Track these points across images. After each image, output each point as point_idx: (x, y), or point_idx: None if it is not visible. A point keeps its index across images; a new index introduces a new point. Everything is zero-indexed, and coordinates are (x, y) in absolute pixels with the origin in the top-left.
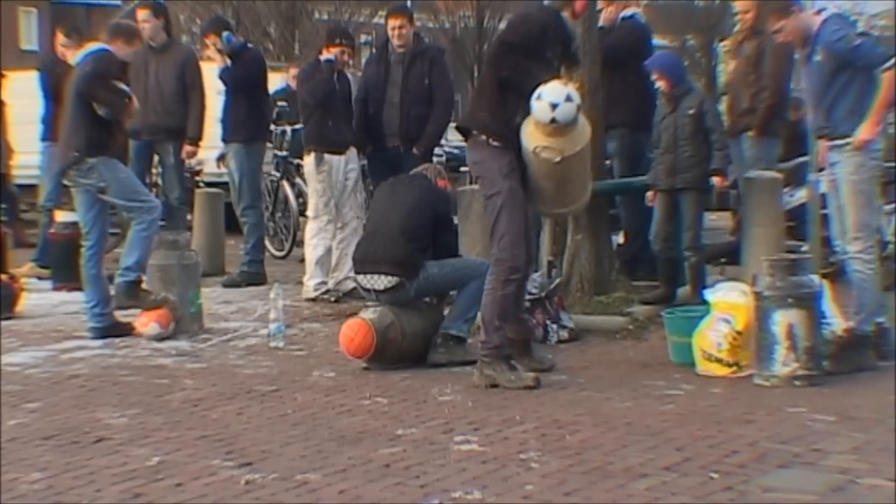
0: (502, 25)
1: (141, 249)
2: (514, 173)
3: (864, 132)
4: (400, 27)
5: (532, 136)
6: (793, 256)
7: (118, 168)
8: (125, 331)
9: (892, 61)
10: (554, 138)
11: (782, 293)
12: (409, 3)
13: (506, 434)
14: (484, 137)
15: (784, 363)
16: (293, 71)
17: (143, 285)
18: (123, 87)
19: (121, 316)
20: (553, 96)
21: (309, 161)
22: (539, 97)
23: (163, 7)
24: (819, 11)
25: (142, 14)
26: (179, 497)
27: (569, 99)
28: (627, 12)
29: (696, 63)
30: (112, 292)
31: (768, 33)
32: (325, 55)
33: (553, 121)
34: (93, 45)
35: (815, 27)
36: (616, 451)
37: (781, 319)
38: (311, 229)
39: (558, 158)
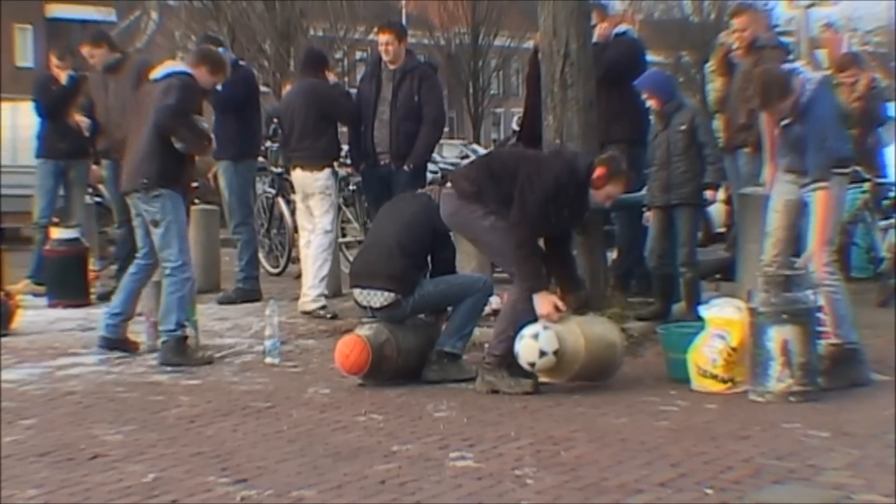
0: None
1: (177, 311)
2: (491, 215)
3: (814, 252)
4: (387, 43)
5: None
6: (787, 272)
7: (180, 208)
8: (130, 349)
9: (825, 183)
10: (550, 374)
11: (777, 309)
12: (403, 20)
13: (501, 450)
14: (455, 191)
15: (779, 379)
16: (288, 87)
17: (152, 303)
18: (204, 124)
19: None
20: (528, 356)
21: (325, 176)
22: (517, 356)
23: (101, 33)
24: (795, 72)
25: (85, 50)
26: None
27: (542, 354)
28: (620, 28)
29: (692, 79)
30: (159, 351)
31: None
32: (333, 79)
33: (539, 371)
34: (174, 65)
35: (802, 94)
36: (611, 466)
37: (776, 335)
38: (322, 244)
39: (564, 379)
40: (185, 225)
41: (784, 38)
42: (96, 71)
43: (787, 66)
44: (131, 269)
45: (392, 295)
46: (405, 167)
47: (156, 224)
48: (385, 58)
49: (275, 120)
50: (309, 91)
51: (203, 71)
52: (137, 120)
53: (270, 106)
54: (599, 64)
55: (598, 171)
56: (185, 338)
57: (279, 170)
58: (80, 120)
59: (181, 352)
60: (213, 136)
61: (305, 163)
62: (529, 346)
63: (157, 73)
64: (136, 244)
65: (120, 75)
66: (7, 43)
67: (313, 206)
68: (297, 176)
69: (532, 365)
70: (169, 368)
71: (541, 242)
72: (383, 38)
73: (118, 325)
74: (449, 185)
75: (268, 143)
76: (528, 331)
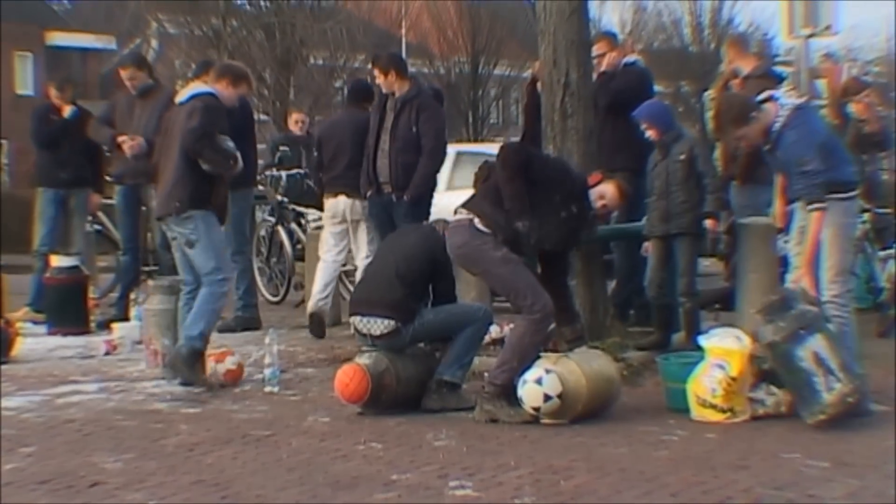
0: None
1: (207, 320)
2: (501, 247)
3: (803, 274)
4: (375, 76)
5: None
6: (777, 295)
7: (213, 225)
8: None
9: (818, 205)
10: (554, 416)
11: (790, 330)
12: (403, 49)
13: (500, 479)
14: (468, 218)
15: (828, 388)
16: (296, 116)
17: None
18: (229, 143)
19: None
20: (533, 402)
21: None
22: (521, 402)
23: (143, 57)
24: (772, 99)
25: (126, 73)
26: None
27: (547, 398)
28: (630, 59)
29: (691, 109)
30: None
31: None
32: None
33: (544, 415)
34: (198, 86)
35: (774, 120)
36: (610, 496)
37: (804, 353)
38: None
39: (567, 420)
40: (222, 242)
41: (780, 69)
42: (126, 94)
43: (764, 94)
44: (181, 303)
45: (392, 323)
46: (404, 198)
47: (191, 245)
48: (382, 90)
49: (281, 148)
50: (362, 123)
51: (225, 84)
52: (166, 145)
53: (272, 134)
54: (607, 93)
55: (594, 175)
56: (202, 353)
57: (279, 198)
58: (137, 140)
59: (192, 364)
60: (238, 154)
61: (352, 190)
62: (533, 391)
63: (181, 96)
64: (178, 270)
65: (149, 101)
66: (7, 70)
67: (361, 231)
68: (341, 202)
69: (537, 410)
70: (169, 396)
71: (538, 267)
72: (374, 71)
73: None
74: (458, 214)
75: (273, 171)
76: (531, 375)
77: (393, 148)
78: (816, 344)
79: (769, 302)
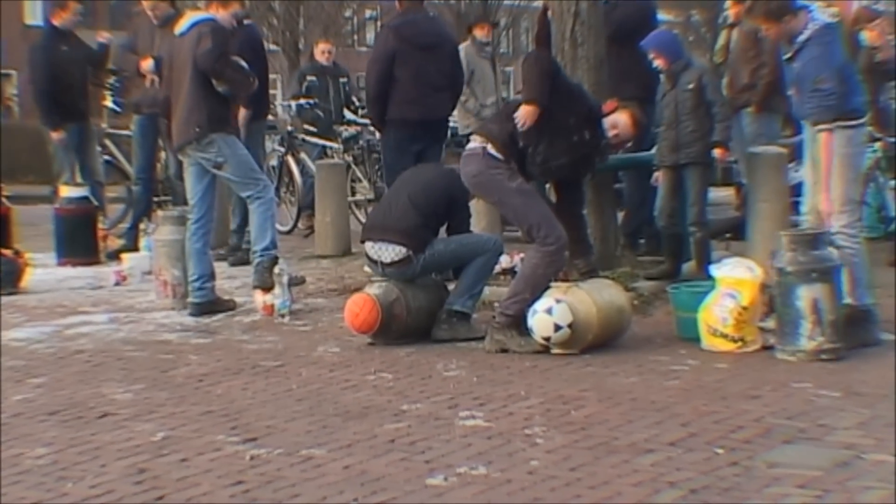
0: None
1: (271, 229)
2: (517, 176)
3: (824, 205)
4: None
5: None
6: (813, 231)
7: (236, 145)
8: (227, 307)
9: (824, 126)
10: (564, 346)
11: (805, 268)
12: None
13: (511, 409)
14: (482, 146)
15: (810, 337)
16: (322, 46)
17: (162, 262)
18: (244, 63)
19: (221, 292)
20: (543, 332)
21: None
22: (532, 332)
23: None
24: (805, 10)
25: (148, 4)
26: (184, 472)
27: (558, 328)
28: None
29: (702, 38)
30: (253, 273)
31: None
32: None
33: (554, 345)
34: (194, 15)
35: (801, 31)
36: (621, 426)
37: (805, 294)
38: None
39: (577, 350)
40: (247, 155)
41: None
42: (147, 23)
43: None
44: (187, 234)
45: (403, 250)
46: None
47: (219, 167)
48: None
49: (308, 78)
50: None
51: (216, 8)
52: (174, 78)
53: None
54: (609, 23)
55: (608, 104)
56: (277, 259)
57: (289, 128)
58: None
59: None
60: (253, 74)
61: None
62: (544, 321)
63: (180, 27)
64: (187, 199)
65: (170, 30)
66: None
67: None
68: None
69: (547, 339)
70: (178, 327)
71: (552, 196)
72: None
73: (203, 287)
74: (472, 142)
75: (301, 101)
76: (541, 305)
77: None
78: (820, 292)
79: (801, 234)
